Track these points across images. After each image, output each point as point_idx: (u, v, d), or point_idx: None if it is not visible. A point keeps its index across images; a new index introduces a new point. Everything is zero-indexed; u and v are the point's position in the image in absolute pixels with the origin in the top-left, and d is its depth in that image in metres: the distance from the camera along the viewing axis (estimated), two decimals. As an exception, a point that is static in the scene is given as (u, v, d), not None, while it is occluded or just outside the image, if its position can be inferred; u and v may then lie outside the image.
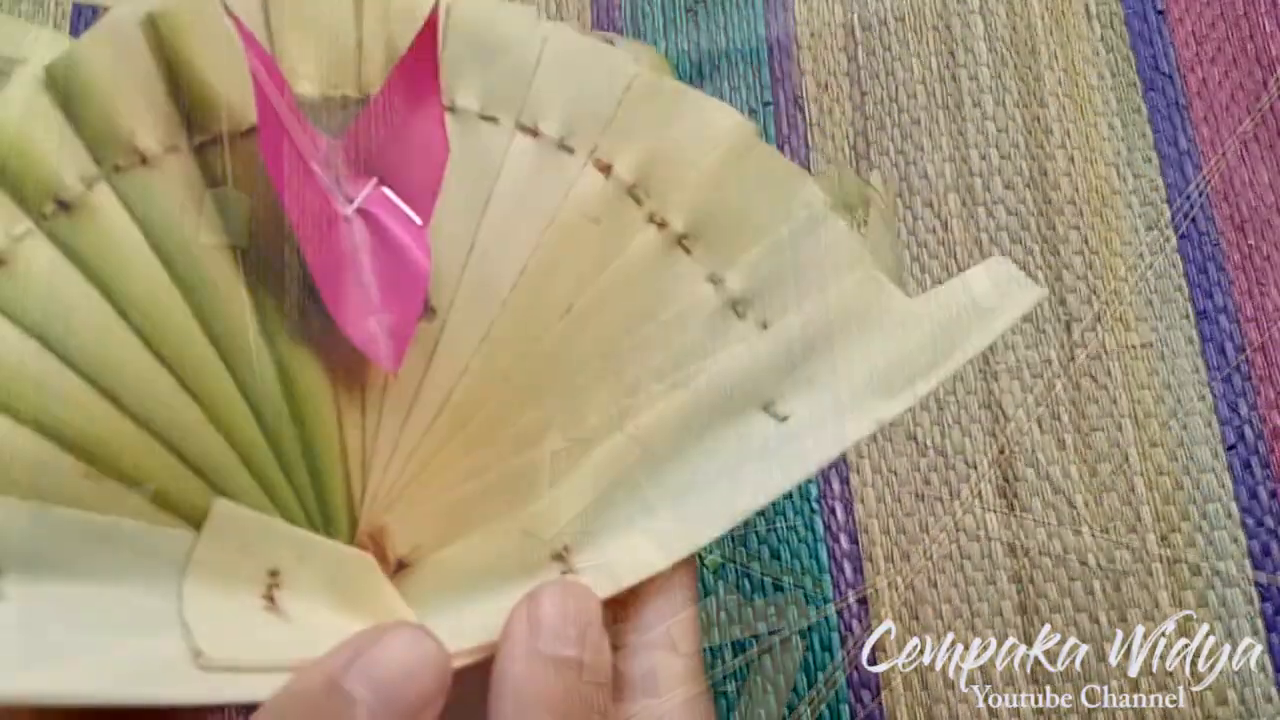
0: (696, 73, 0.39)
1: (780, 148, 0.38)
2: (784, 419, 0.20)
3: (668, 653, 0.18)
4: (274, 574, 0.18)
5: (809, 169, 0.38)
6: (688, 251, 0.21)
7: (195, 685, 0.16)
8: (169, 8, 0.19)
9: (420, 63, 0.20)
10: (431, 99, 0.20)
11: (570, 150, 0.21)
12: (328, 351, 0.19)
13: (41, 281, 0.18)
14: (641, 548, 0.19)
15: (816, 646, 0.33)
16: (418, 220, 0.20)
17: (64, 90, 0.18)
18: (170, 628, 0.16)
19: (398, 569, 0.19)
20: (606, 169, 0.21)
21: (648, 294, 0.20)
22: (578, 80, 0.21)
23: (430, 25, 0.19)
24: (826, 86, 0.40)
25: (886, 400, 0.19)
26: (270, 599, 0.17)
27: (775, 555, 0.34)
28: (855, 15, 0.40)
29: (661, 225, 0.21)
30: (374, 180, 0.20)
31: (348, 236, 0.19)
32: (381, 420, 0.19)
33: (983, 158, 0.38)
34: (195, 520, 0.18)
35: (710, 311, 0.20)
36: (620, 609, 0.19)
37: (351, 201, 0.19)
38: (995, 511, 0.34)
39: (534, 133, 0.21)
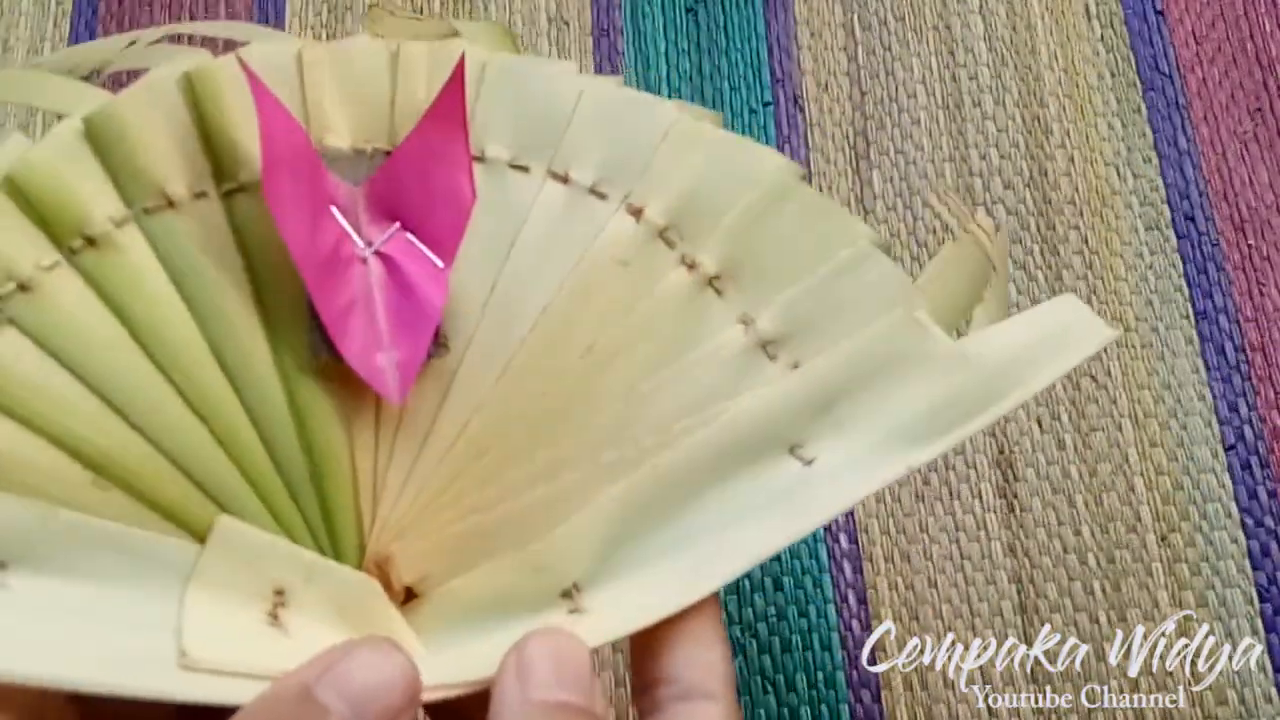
0: (696, 72, 0.39)
1: (780, 148, 0.38)
2: (809, 462, 0.19)
3: (704, 701, 0.18)
4: (280, 593, 0.18)
5: (809, 169, 0.38)
6: (719, 293, 0.21)
7: (170, 681, 0.16)
8: (205, 67, 0.20)
9: (446, 113, 0.20)
10: (458, 148, 0.20)
11: (603, 196, 0.21)
12: (342, 384, 0.20)
13: (65, 308, 0.19)
14: (655, 588, 0.18)
15: (816, 646, 0.33)
16: (439, 263, 0.20)
17: (101, 138, 0.20)
18: (164, 631, 0.17)
19: (406, 598, 0.20)
20: (638, 213, 0.21)
21: (674, 334, 0.20)
22: (613, 130, 0.22)
23: (457, 77, 0.20)
24: (826, 86, 0.40)
25: (920, 446, 0.19)
26: (274, 616, 0.18)
27: (775, 556, 0.34)
28: (855, 15, 0.40)
29: (692, 267, 0.21)
30: (395, 225, 0.21)
31: (361, 277, 0.20)
32: (395, 450, 0.20)
33: (983, 158, 0.38)
34: (203, 538, 0.18)
35: (738, 352, 0.20)
36: (647, 661, 0.19)
37: (370, 244, 0.20)
38: (995, 511, 0.34)
39: (565, 180, 0.21)
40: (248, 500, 0.19)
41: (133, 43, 0.23)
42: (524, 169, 0.21)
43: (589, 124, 0.22)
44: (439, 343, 0.20)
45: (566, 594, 0.19)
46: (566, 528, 0.19)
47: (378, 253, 0.20)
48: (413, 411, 0.20)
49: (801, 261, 0.20)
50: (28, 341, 0.18)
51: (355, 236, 0.20)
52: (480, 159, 0.21)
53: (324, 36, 0.40)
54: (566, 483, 0.19)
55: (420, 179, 0.20)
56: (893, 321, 0.20)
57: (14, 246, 0.19)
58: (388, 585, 0.19)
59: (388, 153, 0.21)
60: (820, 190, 0.38)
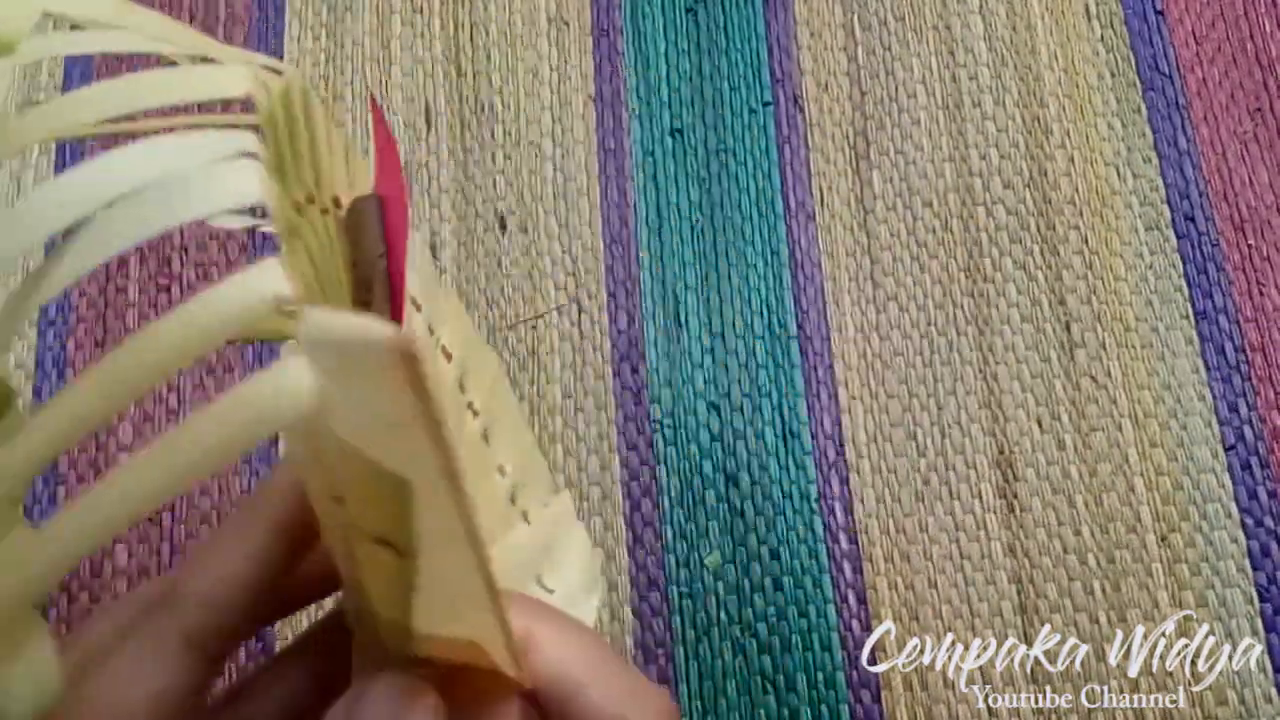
0: (696, 73, 0.39)
1: (780, 148, 0.38)
2: (551, 591, 0.25)
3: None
4: None
5: (809, 169, 0.38)
6: (487, 441, 0.25)
7: None
8: (302, 82, 0.19)
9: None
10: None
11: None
12: None
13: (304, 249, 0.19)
14: None
15: (816, 646, 0.33)
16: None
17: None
18: None
19: None
20: (449, 356, 0.24)
21: (479, 461, 0.25)
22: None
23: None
24: (826, 86, 0.39)
25: (589, 597, 0.26)
26: None
27: (775, 555, 0.34)
28: (855, 15, 0.40)
29: (476, 414, 0.25)
30: None
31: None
32: None
33: (983, 158, 0.38)
34: None
35: (503, 493, 0.25)
36: None
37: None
38: (995, 512, 0.34)
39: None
40: None
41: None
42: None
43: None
44: None
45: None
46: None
47: None
48: None
49: (519, 438, 0.26)
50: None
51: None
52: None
53: (323, 36, 0.39)
54: None
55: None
56: (566, 499, 0.27)
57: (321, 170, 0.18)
58: None
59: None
60: (820, 190, 0.38)
